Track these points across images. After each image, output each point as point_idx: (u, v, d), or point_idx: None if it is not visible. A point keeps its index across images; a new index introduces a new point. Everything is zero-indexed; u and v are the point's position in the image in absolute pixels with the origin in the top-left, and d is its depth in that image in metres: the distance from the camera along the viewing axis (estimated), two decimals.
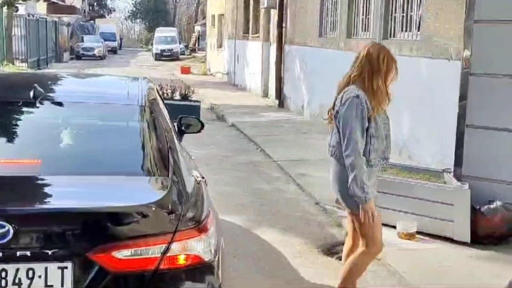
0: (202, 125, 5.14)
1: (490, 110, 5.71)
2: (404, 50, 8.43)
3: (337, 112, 3.82)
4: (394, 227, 5.69)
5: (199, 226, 2.82)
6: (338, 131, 3.81)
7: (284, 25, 14.94)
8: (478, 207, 5.49)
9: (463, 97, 5.83)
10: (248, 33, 19.52)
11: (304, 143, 10.53)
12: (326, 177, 8.02)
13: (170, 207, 2.83)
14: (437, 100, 7.56)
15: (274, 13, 15.68)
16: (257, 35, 18.15)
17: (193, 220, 2.84)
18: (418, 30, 8.28)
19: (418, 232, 5.59)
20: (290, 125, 12.48)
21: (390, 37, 9.16)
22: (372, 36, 9.70)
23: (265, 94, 17.03)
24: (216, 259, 2.89)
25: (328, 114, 3.97)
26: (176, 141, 3.50)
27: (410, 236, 5.59)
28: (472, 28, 5.70)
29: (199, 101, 12.12)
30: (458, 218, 5.43)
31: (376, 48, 3.90)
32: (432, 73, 7.71)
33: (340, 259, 5.42)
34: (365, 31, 10.30)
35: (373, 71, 3.80)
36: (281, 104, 15.10)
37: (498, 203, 5.46)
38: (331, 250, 5.67)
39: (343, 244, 5.79)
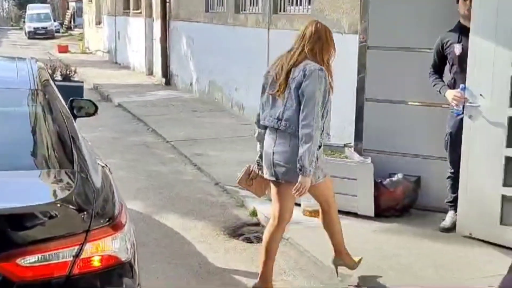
0: (96, 108, 4.78)
1: (387, 83, 5.74)
2: (296, 24, 8.36)
3: (299, 84, 3.78)
4: (299, 204, 5.62)
5: (114, 223, 2.53)
6: (298, 103, 3.78)
7: (168, 0, 14.51)
8: (379, 180, 5.52)
9: (361, 70, 5.81)
10: (129, 9, 18.83)
11: (196, 122, 10.30)
12: (223, 156, 8.05)
13: (79, 204, 2.52)
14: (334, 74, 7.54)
15: None
16: (139, 11, 17.55)
17: (107, 216, 2.54)
18: (309, 4, 8.23)
19: None
20: (180, 103, 12.18)
21: (280, 11, 9.07)
22: (262, 11, 9.58)
23: (150, 72, 16.55)
24: (133, 257, 2.62)
25: (277, 87, 3.89)
26: (77, 128, 3.16)
27: (315, 213, 5.53)
28: (369, 0, 5.68)
29: (82, 82, 11.50)
30: (362, 192, 5.45)
31: (323, 26, 3.99)
32: None
33: (247, 241, 5.31)
34: (253, 5, 10.15)
35: (323, 47, 3.91)
36: (168, 82, 14.73)
37: (399, 175, 5.52)
38: (236, 232, 5.52)
39: (248, 225, 5.71)
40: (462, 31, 5.04)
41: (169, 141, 8.88)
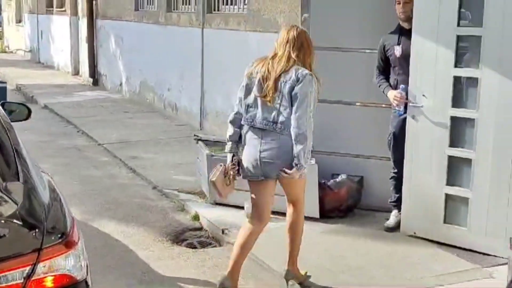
0: (30, 111, 4.52)
1: (329, 84, 5.67)
2: (232, 24, 8.25)
3: (292, 88, 3.91)
4: (243, 207, 5.51)
5: (67, 240, 2.32)
6: (291, 106, 3.90)
7: None
8: (323, 181, 5.49)
9: None
10: (52, 7, 18.18)
11: (128, 123, 10.01)
12: (158, 159, 7.85)
13: (29, 220, 2.29)
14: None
15: None
16: (63, 9, 16.96)
17: (59, 232, 2.33)
18: (245, 4, 8.12)
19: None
20: (110, 104, 11.82)
21: (215, 10, 8.92)
22: (195, 10, 9.41)
23: (77, 72, 16.03)
24: (88, 274, 2.44)
25: (267, 91, 3.96)
26: (16, 134, 2.91)
27: None
28: (309, 1, 5.62)
29: (5, 82, 10.98)
30: (307, 194, 5.34)
31: (303, 31, 4.14)
32: (262, 47, 7.60)
33: (191, 246, 5.17)
34: (186, 4, 9.95)
35: (306, 53, 4.05)
36: (96, 82, 14.29)
37: (343, 176, 5.50)
38: (179, 237, 5.36)
39: (190, 230, 5.56)
40: (402, 33, 5.08)
41: (101, 143, 8.59)
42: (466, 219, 4.77)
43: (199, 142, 6.20)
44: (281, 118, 3.94)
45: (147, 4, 11.61)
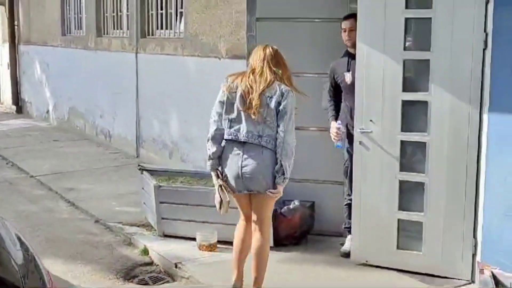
0: None
1: None
2: (168, 48, 8.10)
3: (278, 103, 4.06)
4: (194, 239, 5.37)
5: None
6: (276, 120, 4.07)
7: (16, 23, 13.60)
8: (275, 208, 5.40)
9: None
10: None
11: (60, 153, 9.64)
12: (97, 190, 7.54)
13: (4, 283, 2.09)
14: (208, 99, 7.35)
15: (2, 10, 14.17)
16: None
17: None
18: (181, 28, 8.00)
19: (220, 242, 5.32)
20: (38, 133, 11.37)
21: (149, 35, 8.75)
22: (128, 35, 9.20)
23: None
24: None
25: (251, 106, 4.08)
26: None
27: (211, 247, 5.31)
28: (255, 25, 5.57)
29: None
30: None
31: (277, 49, 4.25)
32: (201, 72, 7.50)
33: (143, 283, 4.96)
34: (117, 29, 9.73)
35: (283, 69, 4.19)
36: (20, 110, 13.74)
37: (296, 202, 5.44)
38: (130, 274, 5.14)
39: (140, 265, 5.34)
40: (350, 59, 5.07)
41: (34, 175, 8.20)
42: (420, 244, 4.76)
43: (144, 172, 6.00)
44: (267, 131, 4.07)
45: (75, 28, 11.29)
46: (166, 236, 5.60)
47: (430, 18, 4.54)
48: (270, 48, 4.21)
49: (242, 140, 4.10)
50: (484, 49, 4.38)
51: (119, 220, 6.24)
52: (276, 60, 4.17)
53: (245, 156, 4.09)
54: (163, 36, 8.45)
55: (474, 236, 4.56)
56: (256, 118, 4.06)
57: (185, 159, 7.85)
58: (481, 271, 3.82)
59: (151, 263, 5.33)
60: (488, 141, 4.42)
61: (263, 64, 4.14)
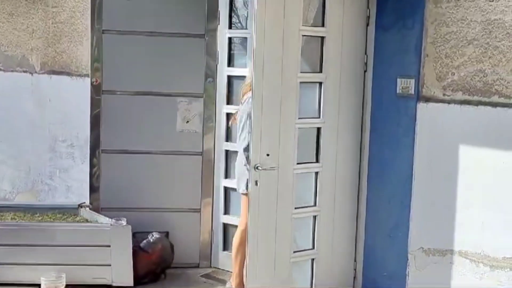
0: None
1: (124, 133, 5.14)
2: None
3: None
4: (39, 285, 4.55)
5: None
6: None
7: None
8: (134, 244, 4.82)
9: (97, 117, 5.04)
10: None
11: None
12: None
13: None
14: (18, 120, 6.42)
15: None
16: None
17: None
18: None
19: (70, 285, 4.58)
20: None
21: None
22: None
23: None
24: None
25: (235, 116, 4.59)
26: None
27: None
28: (102, 37, 4.96)
29: None
30: (117, 260, 4.66)
31: None
32: (9, 88, 6.50)
33: None
34: None
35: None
36: None
37: (155, 234, 4.91)
38: None
39: None
40: None
41: None
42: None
43: None
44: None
45: None
46: (2, 285, 4.68)
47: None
48: None
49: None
50: (364, 72, 4.40)
51: None
52: None
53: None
54: None
55: (355, 259, 4.54)
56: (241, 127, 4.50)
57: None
58: None
59: None
60: (369, 166, 4.43)
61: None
